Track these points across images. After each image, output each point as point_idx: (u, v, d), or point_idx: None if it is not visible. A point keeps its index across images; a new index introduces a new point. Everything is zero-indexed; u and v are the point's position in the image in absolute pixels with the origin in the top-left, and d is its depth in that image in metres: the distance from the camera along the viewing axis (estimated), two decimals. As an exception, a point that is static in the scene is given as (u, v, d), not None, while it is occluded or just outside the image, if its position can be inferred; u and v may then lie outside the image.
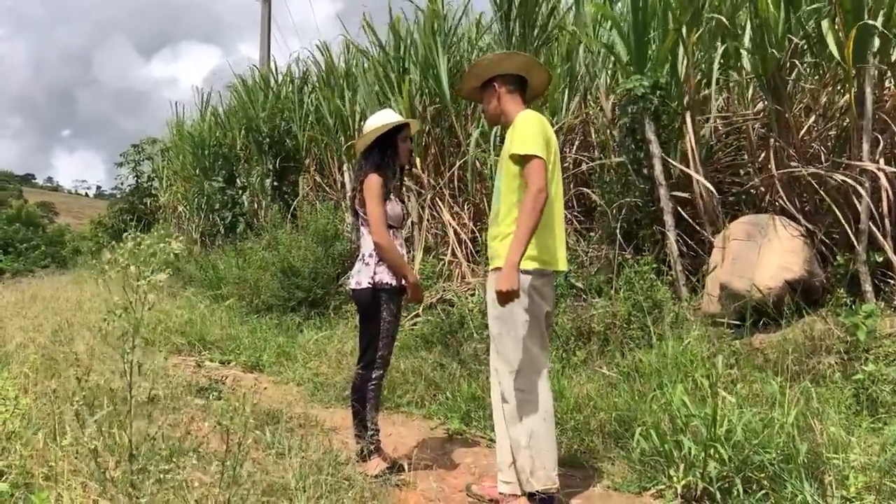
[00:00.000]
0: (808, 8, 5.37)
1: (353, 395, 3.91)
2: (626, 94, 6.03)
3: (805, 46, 5.75)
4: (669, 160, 6.00)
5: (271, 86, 13.30)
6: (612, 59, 6.82)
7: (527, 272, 3.19)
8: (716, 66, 6.05)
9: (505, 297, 3.08)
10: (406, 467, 3.78)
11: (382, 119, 3.92)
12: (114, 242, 2.36)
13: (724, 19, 5.87)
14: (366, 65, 10.00)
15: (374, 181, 3.77)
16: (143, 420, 2.42)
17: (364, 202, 3.80)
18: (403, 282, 3.81)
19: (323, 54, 11.36)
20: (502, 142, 3.58)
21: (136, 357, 2.26)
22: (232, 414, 2.39)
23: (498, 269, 3.20)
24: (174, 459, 2.26)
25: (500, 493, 3.36)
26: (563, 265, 3.40)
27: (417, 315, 6.97)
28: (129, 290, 2.25)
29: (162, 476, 2.12)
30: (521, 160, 3.18)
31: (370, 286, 3.77)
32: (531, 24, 7.39)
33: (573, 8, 7.62)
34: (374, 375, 3.80)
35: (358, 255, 3.93)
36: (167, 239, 2.37)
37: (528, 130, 3.21)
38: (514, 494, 3.29)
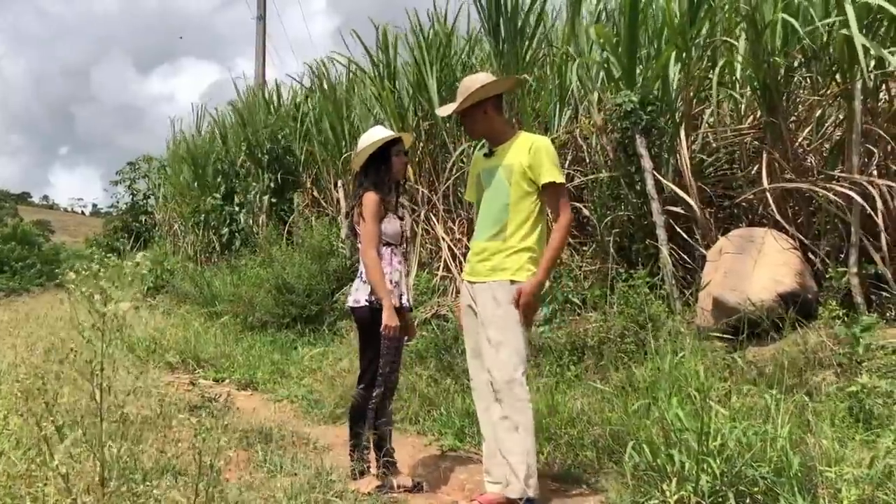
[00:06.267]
0: (808, 29, 5.40)
1: (350, 413, 3.89)
2: (617, 110, 6.06)
3: (801, 59, 5.79)
4: (661, 175, 6.02)
5: (271, 102, 13.37)
6: (604, 74, 6.86)
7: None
8: (714, 79, 6.08)
9: (531, 311, 3.45)
10: (425, 486, 3.84)
11: (373, 136, 3.92)
12: (78, 264, 2.35)
13: (722, 38, 5.93)
14: (361, 82, 10.09)
15: (371, 199, 3.77)
16: (119, 442, 2.40)
17: (361, 220, 3.81)
18: (399, 299, 3.80)
19: (320, 71, 11.43)
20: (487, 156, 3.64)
21: (106, 379, 2.24)
22: (205, 434, 2.36)
23: (512, 281, 3.40)
24: (148, 481, 2.24)
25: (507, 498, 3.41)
26: None
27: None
28: (96, 314, 2.23)
29: (135, 499, 2.10)
30: (550, 187, 3.43)
31: (368, 304, 3.77)
32: (520, 40, 7.44)
33: (563, 22, 7.69)
34: (374, 394, 3.78)
35: (357, 273, 3.92)
36: (137, 260, 2.36)
37: (556, 158, 3.49)
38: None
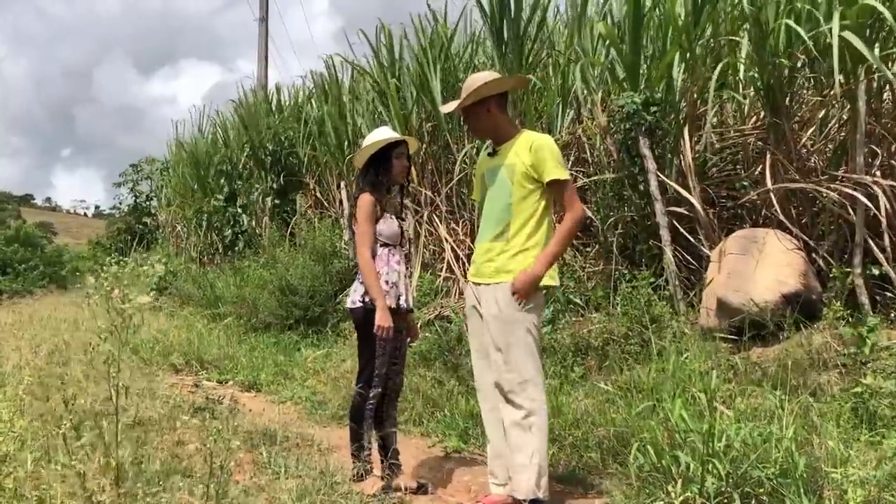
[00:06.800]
0: (811, 33, 5.39)
1: (350, 414, 3.89)
2: (620, 111, 6.06)
3: (805, 60, 5.78)
4: (664, 176, 6.02)
5: (273, 103, 13.38)
6: (608, 74, 6.87)
7: (546, 287, 3.43)
8: (713, 81, 6.07)
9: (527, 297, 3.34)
10: (430, 488, 3.85)
11: (376, 136, 3.94)
12: (100, 266, 2.38)
13: (727, 37, 5.93)
14: (364, 83, 10.11)
15: (365, 200, 3.79)
16: (132, 442, 2.41)
17: (355, 221, 3.82)
18: (394, 303, 3.79)
19: (326, 70, 11.44)
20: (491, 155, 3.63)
21: (121, 380, 2.25)
22: (215, 436, 2.37)
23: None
24: (160, 482, 2.25)
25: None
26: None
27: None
28: (114, 313, 2.25)
29: (149, 500, 2.11)
30: (556, 184, 3.38)
31: (362, 305, 3.77)
32: (523, 41, 7.45)
33: (566, 24, 7.69)
34: (371, 394, 3.78)
35: (357, 274, 3.93)
36: (152, 262, 2.38)
37: (559, 156, 3.44)
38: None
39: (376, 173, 3.87)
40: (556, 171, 3.37)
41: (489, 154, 3.64)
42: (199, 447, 2.64)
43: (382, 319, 3.65)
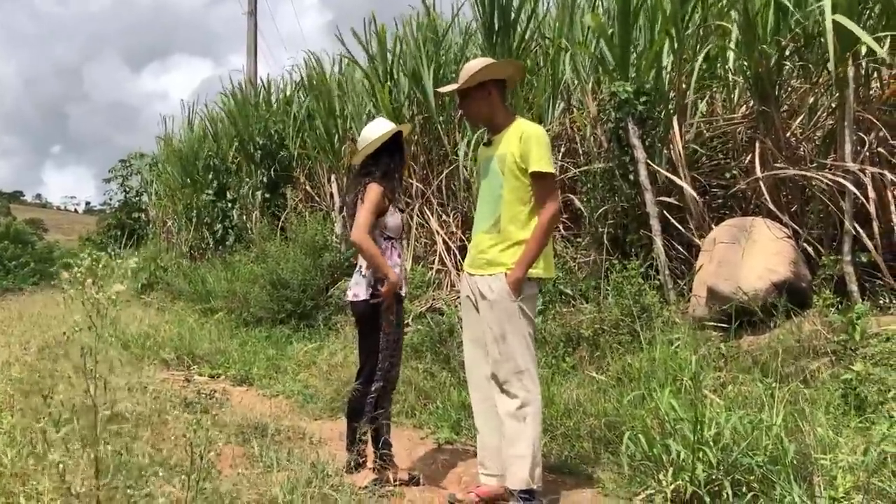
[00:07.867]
0: (798, 28, 5.38)
1: (348, 408, 3.88)
2: (611, 100, 6.06)
3: (793, 48, 5.79)
4: (654, 165, 6.02)
5: (262, 97, 13.31)
6: (598, 64, 6.86)
7: (537, 279, 3.41)
8: (697, 69, 6.06)
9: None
10: (422, 479, 3.85)
11: (385, 126, 3.88)
12: (74, 260, 2.37)
13: (715, 22, 5.92)
14: (356, 75, 10.07)
15: (375, 190, 3.72)
16: (115, 436, 2.40)
17: (360, 203, 3.76)
18: (397, 289, 3.77)
19: (313, 64, 11.37)
20: (486, 145, 3.60)
21: (99, 372, 2.24)
22: (195, 427, 2.36)
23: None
24: (142, 474, 2.24)
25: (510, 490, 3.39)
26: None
27: (408, 324, 6.95)
28: (89, 304, 2.23)
29: (129, 492, 2.10)
30: (538, 177, 3.33)
31: (366, 300, 3.74)
32: (513, 31, 7.44)
33: (556, 14, 7.68)
34: (373, 388, 3.75)
35: (356, 267, 3.89)
36: (124, 257, 2.36)
37: (547, 147, 3.39)
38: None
39: (389, 162, 3.83)
40: (539, 163, 3.32)
41: (484, 144, 3.62)
42: (178, 439, 2.62)
43: (389, 292, 3.66)
